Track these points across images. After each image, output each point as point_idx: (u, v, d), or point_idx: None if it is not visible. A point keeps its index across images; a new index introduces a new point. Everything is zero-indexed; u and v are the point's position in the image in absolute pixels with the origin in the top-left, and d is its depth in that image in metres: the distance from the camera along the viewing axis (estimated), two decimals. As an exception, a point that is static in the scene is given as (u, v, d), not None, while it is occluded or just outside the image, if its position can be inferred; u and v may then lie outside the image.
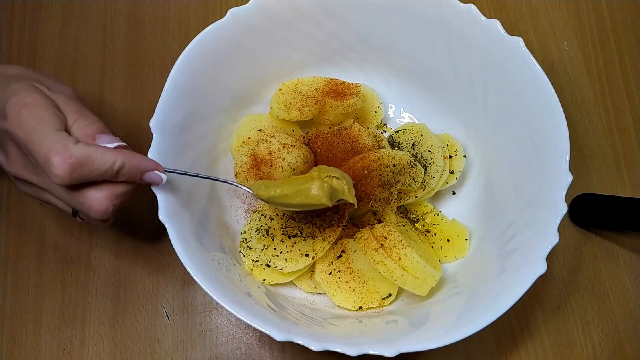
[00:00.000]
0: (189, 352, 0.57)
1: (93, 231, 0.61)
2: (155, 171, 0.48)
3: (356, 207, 0.53)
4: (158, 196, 0.49)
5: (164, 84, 0.53)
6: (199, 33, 0.55)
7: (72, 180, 0.44)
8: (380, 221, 0.58)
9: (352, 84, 0.64)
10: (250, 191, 0.52)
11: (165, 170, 0.49)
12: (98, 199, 0.46)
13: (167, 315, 0.59)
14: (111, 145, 0.46)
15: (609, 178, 0.65)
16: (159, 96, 0.52)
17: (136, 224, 0.61)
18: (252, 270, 0.56)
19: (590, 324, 0.60)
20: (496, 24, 0.55)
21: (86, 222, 0.51)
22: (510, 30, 0.55)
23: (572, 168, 0.51)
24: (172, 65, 0.54)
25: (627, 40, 0.72)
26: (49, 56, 0.68)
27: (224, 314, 0.59)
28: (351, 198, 0.52)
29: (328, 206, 0.51)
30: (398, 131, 0.64)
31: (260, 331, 0.45)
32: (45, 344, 0.57)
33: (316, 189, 0.50)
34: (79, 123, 0.47)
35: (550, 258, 0.49)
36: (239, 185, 0.53)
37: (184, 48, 0.55)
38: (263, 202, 0.56)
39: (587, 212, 0.62)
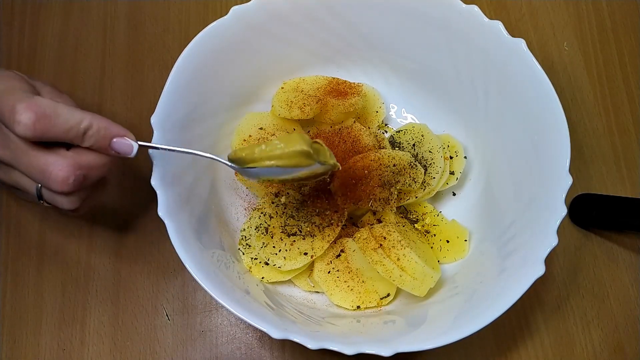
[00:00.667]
0: (189, 352, 0.57)
1: (93, 229, 0.61)
2: (125, 138, 0.45)
3: (339, 168, 0.52)
4: (158, 192, 0.49)
5: (164, 84, 0.53)
6: (198, 33, 0.55)
7: (35, 132, 0.42)
8: (379, 221, 0.58)
9: (354, 83, 0.64)
10: (229, 163, 0.49)
11: (139, 144, 0.46)
12: (59, 165, 0.43)
13: (167, 315, 0.59)
14: None
15: (609, 178, 0.65)
16: (159, 96, 0.52)
17: (136, 223, 0.61)
18: (250, 268, 0.56)
19: (590, 324, 0.60)
20: (498, 25, 0.55)
21: (53, 207, 0.48)
22: (511, 31, 0.55)
23: (572, 168, 0.51)
24: (172, 65, 0.54)
25: (627, 40, 0.72)
26: (49, 56, 0.68)
27: (224, 314, 0.59)
28: (332, 161, 0.50)
29: (309, 153, 0.48)
30: (399, 131, 0.64)
31: (259, 331, 0.45)
32: (45, 344, 0.57)
33: (295, 136, 0.48)
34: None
35: (550, 258, 0.49)
36: (217, 159, 0.49)
37: (184, 48, 0.55)
38: (262, 200, 0.56)
39: (587, 212, 0.62)
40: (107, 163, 0.46)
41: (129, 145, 0.45)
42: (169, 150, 0.48)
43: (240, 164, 0.49)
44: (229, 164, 0.49)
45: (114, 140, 0.45)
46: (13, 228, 0.61)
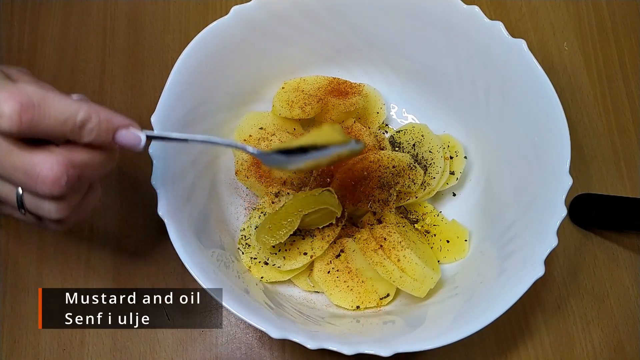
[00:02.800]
0: (189, 352, 0.57)
1: (92, 229, 0.61)
2: (131, 128, 0.38)
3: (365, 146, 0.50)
4: (158, 191, 0.49)
5: (164, 84, 0.53)
6: (198, 33, 0.55)
7: (22, 125, 0.34)
8: (380, 221, 0.58)
9: (354, 83, 0.64)
10: (253, 151, 0.45)
11: (147, 134, 0.39)
12: (48, 163, 0.36)
13: (167, 315, 0.59)
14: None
15: (609, 178, 0.65)
16: (159, 96, 0.52)
17: (136, 223, 0.61)
18: (250, 267, 0.56)
19: (590, 324, 0.60)
20: (499, 26, 0.55)
21: (35, 221, 0.41)
22: (511, 31, 0.55)
23: (572, 168, 0.51)
24: (172, 65, 0.54)
25: (627, 40, 0.72)
26: (49, 56, 0.68)
27: (223, 314, 0.59)
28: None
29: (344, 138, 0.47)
30: (399, 131, 0.64)
31: (259, 331, 0.45)
32: (45, 344, 0.57)
33: (326, 127, 0.47)
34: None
35: (550, 258, 0.49)
36: (239, 145, 0.45)
37: (184, 48, 0.55)
38: (262, 200, 0.56)
39: (587, 212, 0.62)
40: (105, 161, 0.39)
41: (137, 136, 0.39)
42: (181, 140, 0.42)
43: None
44: (253, 151, 0.45)
45: (119, 132, 0.38)
46: (13, 228, 0.61)
